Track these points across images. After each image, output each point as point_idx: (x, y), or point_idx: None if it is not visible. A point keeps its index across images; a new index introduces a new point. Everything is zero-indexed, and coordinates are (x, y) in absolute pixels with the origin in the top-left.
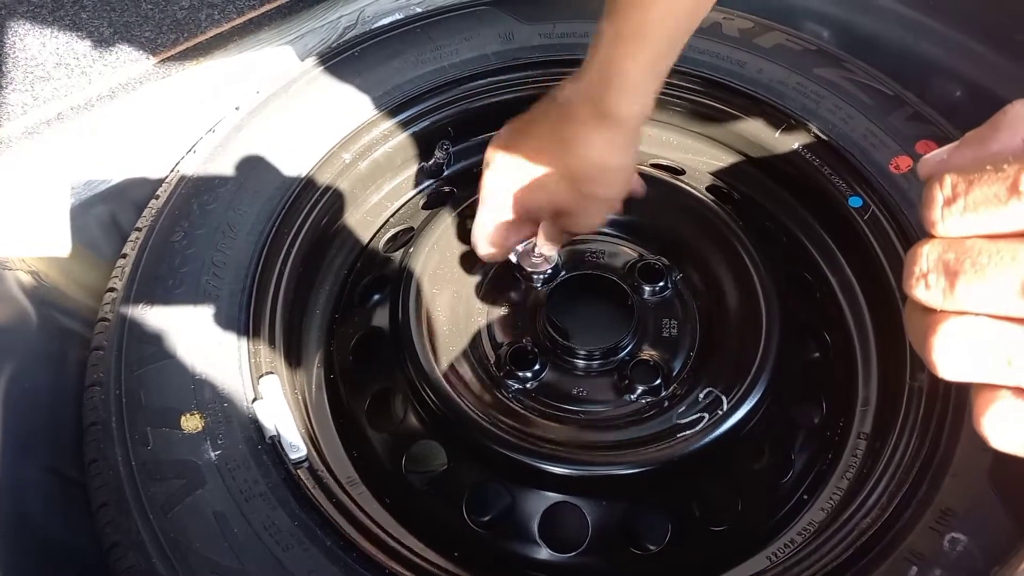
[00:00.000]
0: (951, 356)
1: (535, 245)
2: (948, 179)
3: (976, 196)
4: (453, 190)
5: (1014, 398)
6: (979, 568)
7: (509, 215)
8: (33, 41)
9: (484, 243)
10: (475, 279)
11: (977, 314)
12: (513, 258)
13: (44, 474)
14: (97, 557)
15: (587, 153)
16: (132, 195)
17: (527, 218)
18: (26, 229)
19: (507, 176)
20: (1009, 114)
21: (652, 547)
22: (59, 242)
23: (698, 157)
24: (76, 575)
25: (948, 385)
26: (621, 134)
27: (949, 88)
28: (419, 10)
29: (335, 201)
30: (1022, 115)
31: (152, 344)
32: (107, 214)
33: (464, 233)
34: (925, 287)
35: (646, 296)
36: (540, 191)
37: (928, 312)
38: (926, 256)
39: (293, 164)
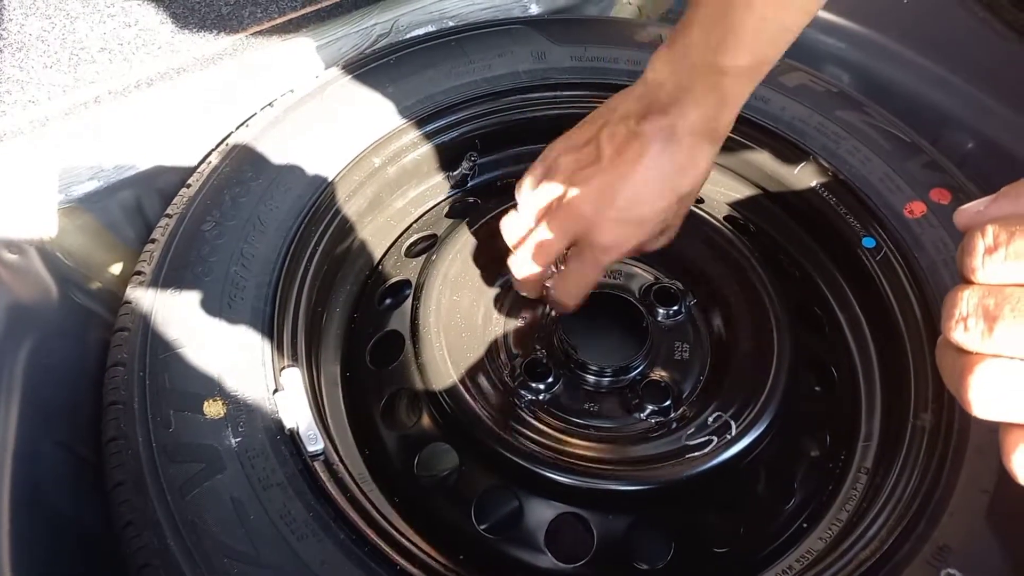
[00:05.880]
0: (986, 396)
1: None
2: (991, 229)
3: (1018, 246)
4: (477, 201)
5: None
6: None
7: None
8: (82, 24)
9: None
10: (494, 291)
11: (1012, 357)
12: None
13: (57, 448)
14: (104, 535)
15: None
16: (159, 182)
17: None
18: (14, 211)
19: None
20: None
21: (655, 564)
22: (45, 225)
23: (716, 187)
24: (81, 549)
25: (950, 425)
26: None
27: (961, 139)
28: (451, 23)
29: (362, 203)
30: None
31: (178, 329)
32: (132, 199)
33: (487, 244)
34: (964, 329)
35: (660, 318)
36: None
37: (963, 353)
38: (966, 300)
39: (324, 164)
